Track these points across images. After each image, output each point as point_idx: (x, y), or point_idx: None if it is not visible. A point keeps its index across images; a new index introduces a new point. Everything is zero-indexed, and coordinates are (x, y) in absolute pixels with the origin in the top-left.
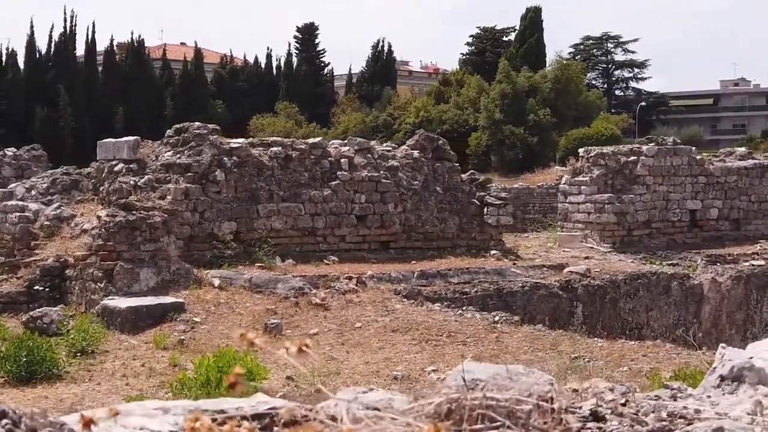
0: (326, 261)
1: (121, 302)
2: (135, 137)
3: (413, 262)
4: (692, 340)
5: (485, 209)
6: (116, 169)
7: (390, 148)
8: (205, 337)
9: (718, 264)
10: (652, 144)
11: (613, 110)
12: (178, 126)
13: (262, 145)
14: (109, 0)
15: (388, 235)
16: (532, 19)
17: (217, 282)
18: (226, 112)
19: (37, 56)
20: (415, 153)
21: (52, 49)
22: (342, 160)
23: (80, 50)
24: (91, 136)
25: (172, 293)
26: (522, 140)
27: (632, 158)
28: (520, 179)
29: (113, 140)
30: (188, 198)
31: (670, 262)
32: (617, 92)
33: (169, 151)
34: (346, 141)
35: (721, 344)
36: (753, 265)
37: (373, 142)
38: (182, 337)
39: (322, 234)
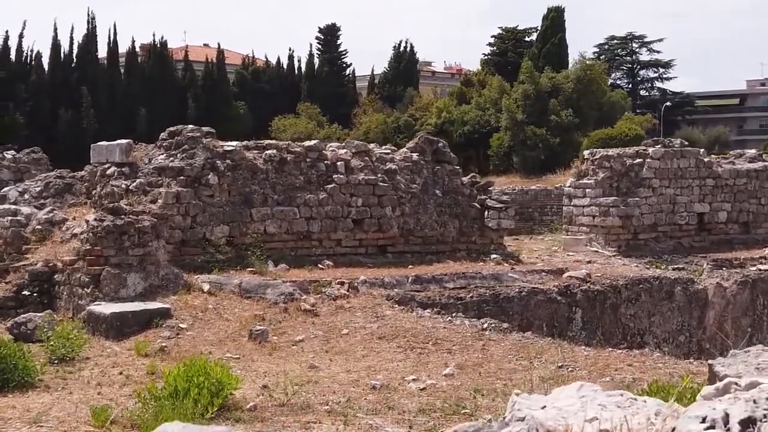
0: (321, 265)
1: (107, 308)
2: (127, 140)
3: (410, 266)
4: (656, 349)
5: (486, 212)
6: (108, 172)
7: (389, 151)
8: (189, 344)
9: (724, 268)
10: (659, 146)
11: (638, 111)
12: (171, 129)
13: (256, 148)
14: (132, 2)
15: (385, 239)
16: (554, 20)
17: (206, 287)
18: (248, 114)
19: (62, 58)
20: (415, 156)
21: (74, 51)
22: (338, 163)
23: (102, 52)
24: (114, 138)
25: (160, 299)
26: (544, 141)
27: (638, 160)
28: (542, 180)
29: (106, 143)
30: (180, 202)
31: (676, 266)
32: (642, 92)
33: (162, 154)
34: (343, 144)
35: (516, 390)
36: (760, 269)
37: (372, 145)
38: (164, 344)
39: (317, 238)
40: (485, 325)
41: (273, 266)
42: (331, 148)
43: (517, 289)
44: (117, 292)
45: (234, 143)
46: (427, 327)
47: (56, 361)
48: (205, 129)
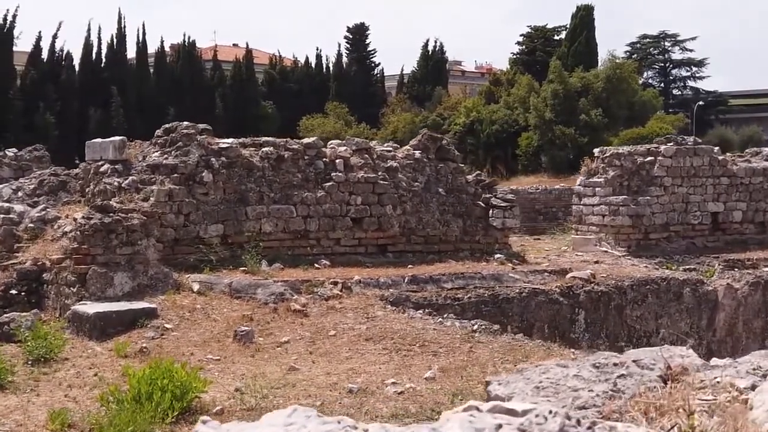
0: (317, 265)
1: (91, 308)
2: (121, 137)
3: (410, 266)
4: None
5: (491, 211)
6: (102, 169)
7: (390, 149)
8: (172, 345)
9: (736, 269)
10: (671, 144)
11: (670, 110)
12: (167, 126)
13: (253, 146)
14: (162, 3)
15: (386, 238)
16: (583, 18)
17: (196, 287)
18: (276, 113)
19: (93, 58)
20: (417, 153)
21: (103, 51)
22: (337, 161)
23: (132, 53)
24: (143, 137)
25: (147, 298)
26: (572, 140)
27: (649, 159)
28: (570, 180)
29: (100, 140)
30: (172, 200)
31: (687, 266)
32: (675, 91)
33: (156, 151)
34: (343, 141)
35: (202, 417)
36: None
37: (373, 142)
38: (145, 345)
39: (315, 237)
40: (475, 327)
41: (267, 266)
42: (330, 146)
43: (517, 290)
44: (103, 292)
45: (230, 140)
46: (417, 328)
47: (34, 362)
48: (201, 126)
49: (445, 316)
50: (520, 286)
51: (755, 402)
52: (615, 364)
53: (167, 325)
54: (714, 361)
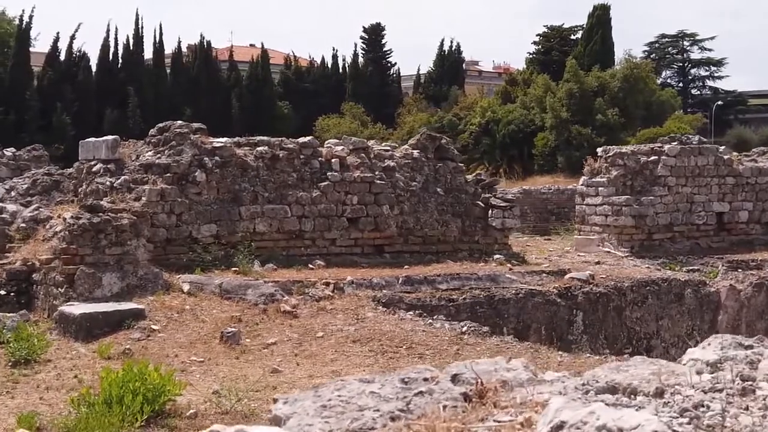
0: (311, 266)
1: (77, 309)
2: (114, 136)
3: (406, 267)
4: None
5: (490, 211)
6: (94, 169)
7: (388, 148)
8: (158, 346)
9: (740, 270)
10: (675, 143)
11: (689, 109)
12: (161, 125)
13: (248, 145)
14: (180, 4)
15: (382, 239)
16: (600, 17)
17: (186, 287)
18: (292, 113)
19: (110, 59)
20: (415, 153)
21: (120, 52)
22: (333, 161)
23: (149, 53)
24: None
25: (136, 299)
26: (589, 140)
27: (653, 158)
28: None
29: (93, 140)
30: (164, 199)
31: (690, 267)
32: (693, 91)
33: (150, 150)
34: (340, 140)
35: None
36: None
37: (371, 142)
38: (129, 347)
39: (310, 237)
40: (464, 329)
41: (260, 266)
42: (327, 145)
43: (513, 291)
44: (91, 292)
45: (224, 139)
46: (406, 330)
47: (15, 364)
48: (195, 125)
49: (435, 317)
50: (517, 287)
51: (539, 424)
52: (426, 379)
53: (154, 327)
54: (548, 374)
